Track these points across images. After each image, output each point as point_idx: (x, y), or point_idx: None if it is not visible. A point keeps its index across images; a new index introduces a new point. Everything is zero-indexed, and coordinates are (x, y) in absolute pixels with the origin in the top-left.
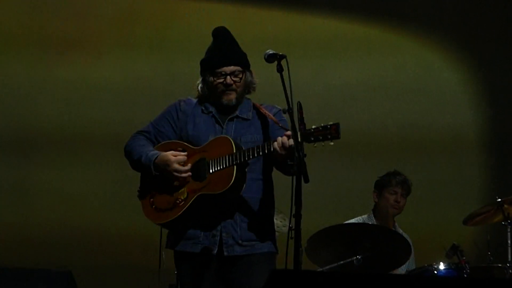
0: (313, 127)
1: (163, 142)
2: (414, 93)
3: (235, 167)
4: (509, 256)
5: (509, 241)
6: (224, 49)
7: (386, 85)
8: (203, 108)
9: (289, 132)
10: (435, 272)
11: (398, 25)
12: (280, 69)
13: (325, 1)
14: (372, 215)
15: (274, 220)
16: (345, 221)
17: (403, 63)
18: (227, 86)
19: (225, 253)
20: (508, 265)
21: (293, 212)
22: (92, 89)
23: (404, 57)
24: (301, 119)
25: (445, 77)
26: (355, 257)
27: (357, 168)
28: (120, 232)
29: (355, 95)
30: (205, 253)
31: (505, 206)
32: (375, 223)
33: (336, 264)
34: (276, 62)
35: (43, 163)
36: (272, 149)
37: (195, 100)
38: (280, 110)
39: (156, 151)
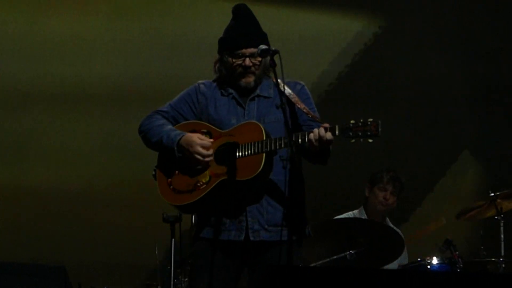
0: (352, 122)
1: (184, 122)
2: (410, 90)
3: (264, 155)
4: (502, 251)
5: (502, 236)
6: (244, 29)
7: (382, 81)
8: (223, 91)
9: (326, 124)
10: (428, 267)
11: (393, 21)
12: (273, 64)
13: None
14: (363, 209)
15: None
16: (336, 216)
17: (399, 59)
18: (246, 69)
19: (251, 238)
20: (501, 259)
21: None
22: (89, 43)
23: (401, 53)
24: None
25: (441, 75)
26: (348, 252)
27: (351, 164)
28: (114, 227)
29: (350, 91)
30: (232, 240)
31: (498, 200)
32: (366, 218)
33: (329, 259)
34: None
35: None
36: (306, 141)
37: (214, 83)
38: (304, 85)
39: (179, 131)
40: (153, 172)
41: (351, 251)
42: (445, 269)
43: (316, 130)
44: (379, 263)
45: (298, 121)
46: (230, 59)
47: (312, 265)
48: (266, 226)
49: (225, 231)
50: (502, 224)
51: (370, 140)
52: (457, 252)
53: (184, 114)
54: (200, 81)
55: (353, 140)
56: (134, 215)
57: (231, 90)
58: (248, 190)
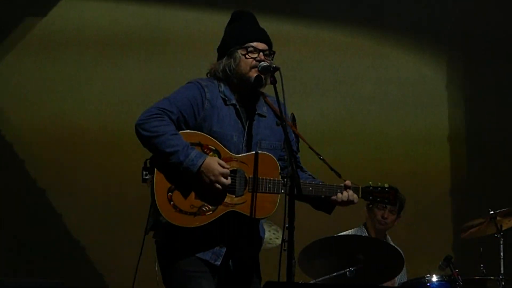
0: (371, 185)
1: (189, 132)
2: (406, 105)
3: (279, 195)
4: (502, 268)
5: (501, 254)
6: (254, 25)
7: (380, 96)
8: (225, 98)
9: (348, 182)
10: (428, 284)
11: (392, 35)
12: (273, 81)
13: (317, 11)
14: (364, 227)
15: (267, 232)
16: (337, 233)
17: (397, 74)
18: (260, 62)
19: (232, 269)
20: (500, 277)
21: (286, 224)
22: None
23: (398, 69)
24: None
25: (437, 89)
26: (348, 269)
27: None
28: (114, 244)
29: (347, 106)
30: (207, 260)
31: (498, 218)
32: (366, 235)
33: (329, 276)
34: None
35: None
36: (329, 195)
37: (213, 84)
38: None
39: (197, 152)
40: (145, 176)
41: (350, 268)
42: (445, 287)
43: (346, 193)
44: (378, 280)
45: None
46: (242, 52)
47: (311, 281)
48: (247, 256)
49: (201, 252)
50: (501, 242)
51: (386, 207)
52: (457, 270)
53: (187, 117)
54: (202, 82)
55: (370, 205)
56: (135, 233)
57: (234, 100)
58: (250, 225)
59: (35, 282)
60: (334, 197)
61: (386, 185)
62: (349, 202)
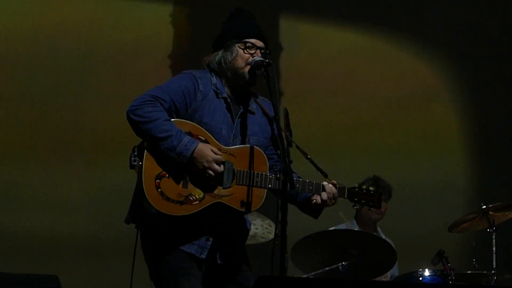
0: (357, 186)
1: (179, 120)
2: (400, 101)
3: (266, 190)
4: (494, 263)
5: (494, 248)
6: (254, 23)
7: (373, 92)
8: (217, 91)
9: (334, 181)
10: (420, 278)
11: (392, 37)
12: (266, 76)
13: (319, 12)
14: (355, 221)
15: (260, 226)
16: (328, 227)
17: (398, 74)
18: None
19: (219, 261)
20: (493, 272)
21: (279, 218)
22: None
23: (398, 69)
24: (287, 125)
25: (432, 85)
26: (340, 263)
27: (342, 174)
28: (107, 237)
29: (345, 103)
30: (193, 256)
31: (490, 213)
32: (358, 229)
33: (321, 271)
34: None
35: (33, 168)
36: (313, 192)
37: (206, 78)
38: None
39: (191, 139)
40: (133, 162)
41: (343, 263)
42: (437, 281)
43: (328, 188)
44: (371, 274)
45: (276, 143)
46: (240, 47)
47: (304, 276)
48: (234, 249)
49: (187, 244)
50: (494, 237)
51: (369, 210)
52: (449, 264)
53: (179, 107)
54: (195, 73)
55: (356, 206)
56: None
57: (225, 93)
58: (236, 217)
59: (27, 274)
60: (319, 196)
61: (371, 188)
62: (333, 197)
